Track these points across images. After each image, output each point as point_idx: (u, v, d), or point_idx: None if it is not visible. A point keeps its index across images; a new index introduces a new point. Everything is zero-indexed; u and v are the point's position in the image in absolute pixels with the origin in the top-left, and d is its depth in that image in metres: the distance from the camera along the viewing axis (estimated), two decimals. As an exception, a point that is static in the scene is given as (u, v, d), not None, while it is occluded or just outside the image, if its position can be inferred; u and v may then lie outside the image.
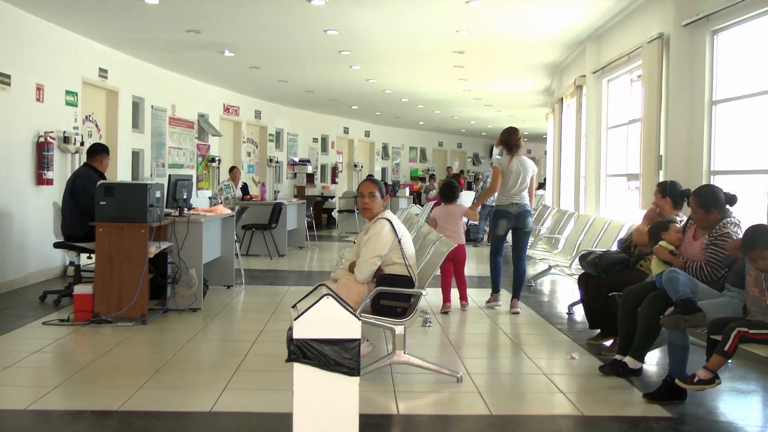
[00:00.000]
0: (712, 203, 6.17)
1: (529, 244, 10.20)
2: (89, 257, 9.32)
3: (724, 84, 8.54)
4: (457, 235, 9.66)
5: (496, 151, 9.55)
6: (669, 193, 7.22)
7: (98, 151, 9.92)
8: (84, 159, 12.08)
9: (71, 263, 10.94)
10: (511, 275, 9.67)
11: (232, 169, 17.00)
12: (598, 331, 7.60)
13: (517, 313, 9.35)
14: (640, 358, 6.24)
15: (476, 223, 15.01)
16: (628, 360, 6.25)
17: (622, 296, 6.51)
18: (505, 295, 9.90)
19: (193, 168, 17.92)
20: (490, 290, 9.98)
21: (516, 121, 28.25)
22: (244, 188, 17.15)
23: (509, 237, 9.70)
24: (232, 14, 11.40)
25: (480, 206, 10.05)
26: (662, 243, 6.45)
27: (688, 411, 5.47)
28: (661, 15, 9.46)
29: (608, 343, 7.32)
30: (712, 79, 8.60)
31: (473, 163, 38.03)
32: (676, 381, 5.44)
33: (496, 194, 9.70)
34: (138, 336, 7.79)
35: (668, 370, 5.75)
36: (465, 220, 10.36)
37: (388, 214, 6.54)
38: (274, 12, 11.21)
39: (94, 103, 13.51)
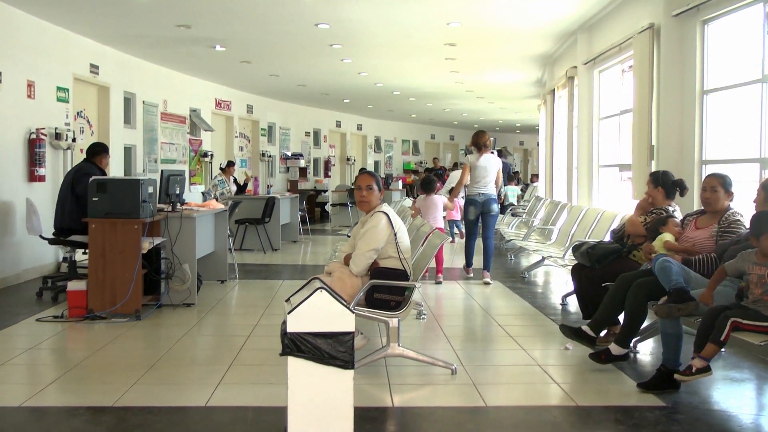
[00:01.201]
0: (731, 185, 6.33)
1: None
2: (84, 252, 9.33)
3: (715, 74, 8.56)
4: (437, 221, 11.39)
5: (472, 150, 11.59)
6: (661, 182, 7.24)
7: (98, 151, 9.99)
8: (76, 155, 12.19)
9: (65, 259, 10.97)
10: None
11: (230, 165, 16.99)
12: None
13: (488, 283, 10.98)
14: (625, 345, 6.27)
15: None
16: (613, 347, 6.28)
17: (616, 280, 6.51)
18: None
19: (185, 163, 17.90)
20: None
21: (508, 112, 28.33)
22: (236, 181, 17.15)
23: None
24: (223, 9, 11.38)
25: (460, 198, 12.42)
26: (667, 237, 6.46)
27: (682, 400, 5.49)
28: (652, 5, 9.47)
29: (602, 333, 7.33)
30: (702, 69, 8.61)
31: (465, 155, 38.03)
32: (675, 376, 5.45)
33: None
34: (132, 332, 7.79)
35: (662, 359, 5.76)
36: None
37: (386, 207, 6.54)
38: (265, 6, 11.21)
39: (85, 99, 13.49)
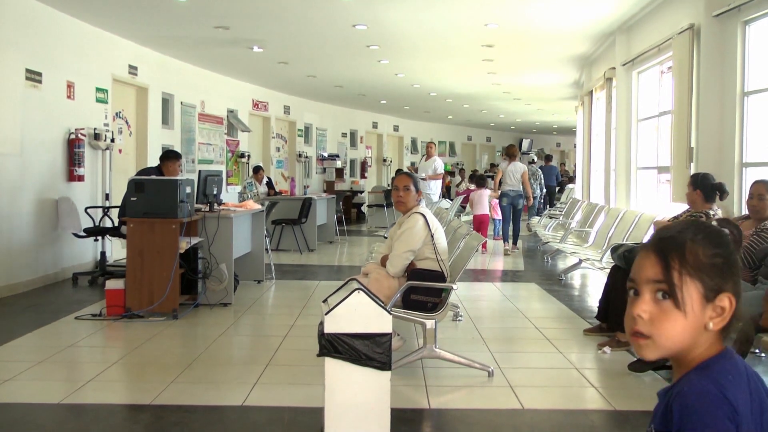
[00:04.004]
0: None
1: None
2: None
3: (756, 75, 8.45)
4: (485, 208, 15.91)
5: (503, 159, 16.41)
6: (700, 185, 7.13)
7: (168, 156, 10.41)
8: (115, 155, 12.43)
9: (102, 252, 11.14)
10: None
11: (257, 171, 17.04)
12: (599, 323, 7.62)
13: (511, 252, 15.16)
14: None
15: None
16: None
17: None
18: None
19: (222, 163, 18.00)
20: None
21: (545, 114, 28.22)
22: (269, 184, 17.20)
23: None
24: (261, 10, 11.43)
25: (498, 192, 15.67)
26: None
27: (722, 405, 5.41)
28: (692, 6, 9.37)
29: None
30: (743, 71, 8.50)
31: (503, 156, 37.92)
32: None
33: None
34: (169, 331, 7.84)
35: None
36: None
37: (423, 208, 6.54)
38: (303, 7, 11.23)
39: (124, 99, 13.60)
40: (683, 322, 1.72)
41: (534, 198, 20.31)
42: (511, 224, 15.39)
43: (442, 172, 18.46)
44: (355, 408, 4.40)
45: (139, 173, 10.08)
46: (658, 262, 1.75)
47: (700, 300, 1.73)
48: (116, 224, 10.89)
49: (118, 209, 10.63)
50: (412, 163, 29.03)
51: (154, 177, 9.22)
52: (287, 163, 22.44)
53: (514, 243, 15.40)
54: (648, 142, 12.22)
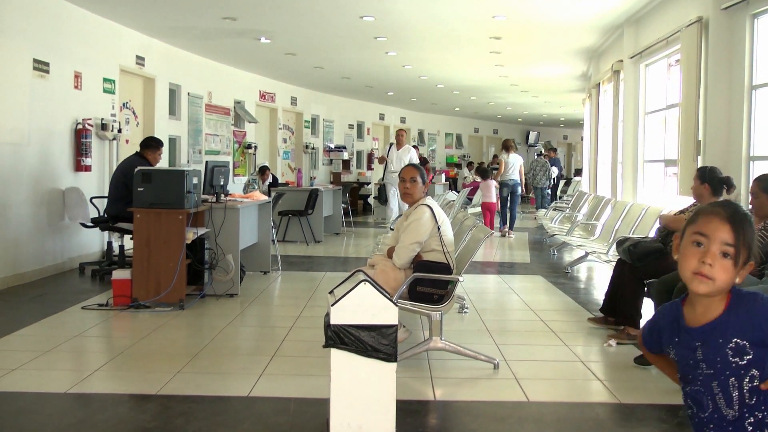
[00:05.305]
0: None
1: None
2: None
3: (764, 68, 8.42)
4: (492, 197, 17.26)
5: (504, 152, 17.80)
6: (708, 179, 7.11)
7: (147, 144, 10.44)
8: (122, 145, 12.40)
9: (109, 243, 11.13)
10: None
11: (263, 171, 17.05)
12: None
13: (507, 236, 16.81)
14: None
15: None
16: None
17: (655, 286, 6.42)
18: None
19: (229, 154, 18.01)
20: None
21: (552, 106, 28.18)
22: (272, 184, 17.20)
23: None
24: (268, 1, 11.42)
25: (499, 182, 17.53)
26: None
27: (727, 398, 5.41)
28: (701, -1, 9.35)
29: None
30: (751, 64, 8.47)
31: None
32: None
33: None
34: (176, 321, 7.86)
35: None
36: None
37: (429, 200, 6.54)
38: (310, -2, 11.23)
39: (131, 90, 13.61)
40: (734, 274, 2.45)
41: (542, 189, 22.76)
42: (508, 211, 17.31)
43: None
44: (360, 399, 4.40)
45: (123, 163, 10.22)
46: (731, 231, 2.44)
47: (743, 262, 2.46)
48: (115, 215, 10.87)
49: (107, 202, 10.60)
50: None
51: (162, 168, 9.24)
52: (294, 154, 22.44)
53: (510, 228, 17.25)
54: (655, 135, 12.20)
